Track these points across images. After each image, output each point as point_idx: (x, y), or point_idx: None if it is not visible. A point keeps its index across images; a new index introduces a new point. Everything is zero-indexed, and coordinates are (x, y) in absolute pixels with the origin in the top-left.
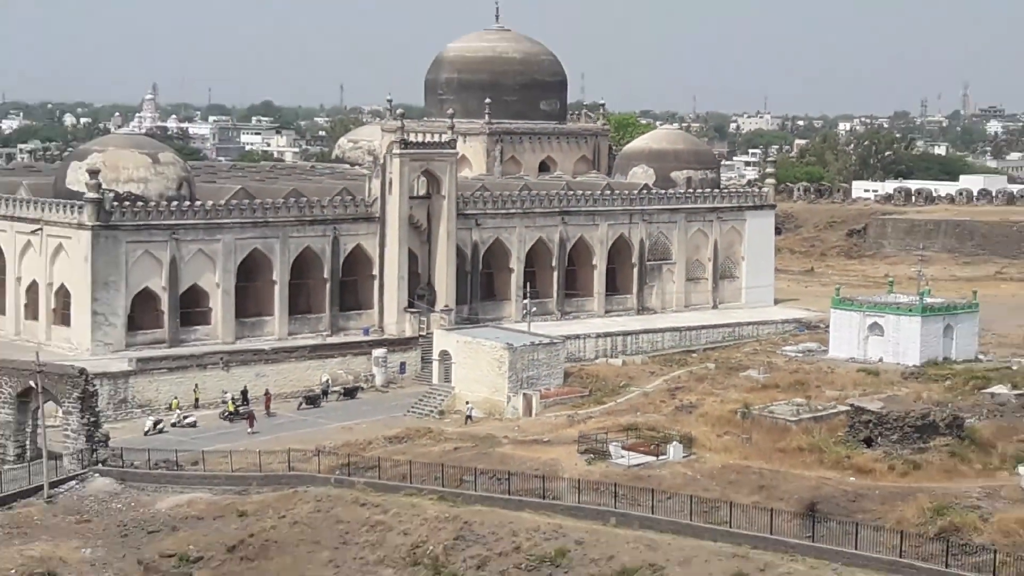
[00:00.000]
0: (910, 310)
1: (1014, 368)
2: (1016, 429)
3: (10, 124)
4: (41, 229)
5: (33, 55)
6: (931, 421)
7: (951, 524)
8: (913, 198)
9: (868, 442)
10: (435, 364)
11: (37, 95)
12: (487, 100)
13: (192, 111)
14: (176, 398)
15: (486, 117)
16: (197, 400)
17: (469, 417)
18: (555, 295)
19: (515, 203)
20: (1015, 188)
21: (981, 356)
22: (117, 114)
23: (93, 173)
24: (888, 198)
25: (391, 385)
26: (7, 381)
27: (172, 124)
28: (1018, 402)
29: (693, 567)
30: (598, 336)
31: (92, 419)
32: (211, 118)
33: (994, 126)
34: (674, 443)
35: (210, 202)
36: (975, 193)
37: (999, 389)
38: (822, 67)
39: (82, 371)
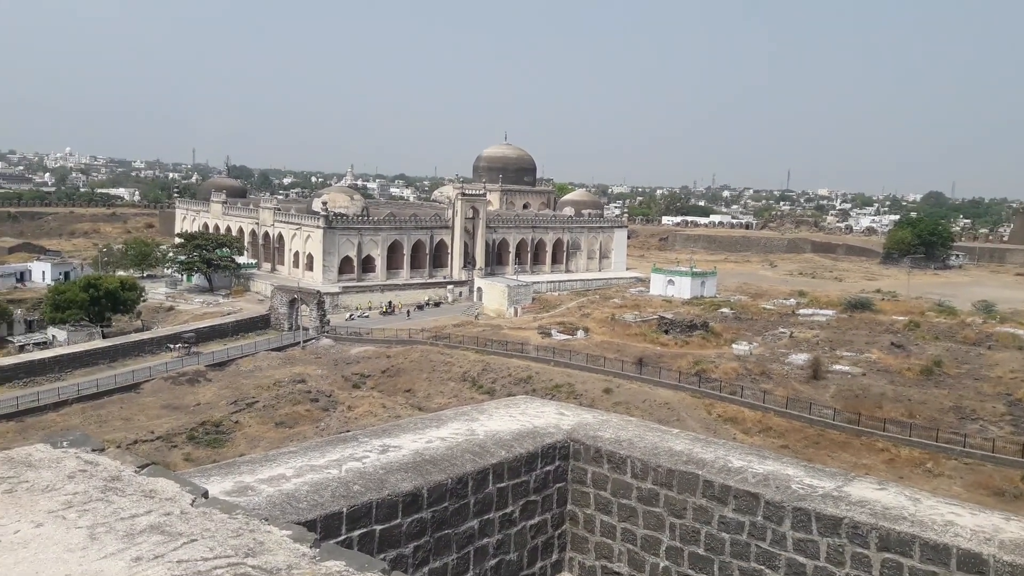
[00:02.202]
0: (685, 273)
1: (731, 300)
2: (731, 328)
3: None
4: (300, 228)
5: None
6: (693, 323)
7: (702, 368)
8: (688, 224)
9: (666, 331)
10: (475, 293)
11: (257, 163)
12: (500, 175)
13: (368, 176)
14: (359, 305)
15: (500, 183)
16: (370, 305)
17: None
18: (528, 264)
19: (511, 222)
20: (734, 221)
21: (716, 296)
22: (336, 177)
23: (323, 204)
24: (678, 224)
25: (454, 302)
26: (286, 294)
27: (359, 182)
28: (732, 314)
29: (587, 385)
30: (548, 283)
31: (322, 313)
32: (377, 180)
33: (724, 193)
34: (580, 329)
35: (376, 217)
36: (717, 223)
37: (724, 310)
38: (650, 156)
39: (318, 292)
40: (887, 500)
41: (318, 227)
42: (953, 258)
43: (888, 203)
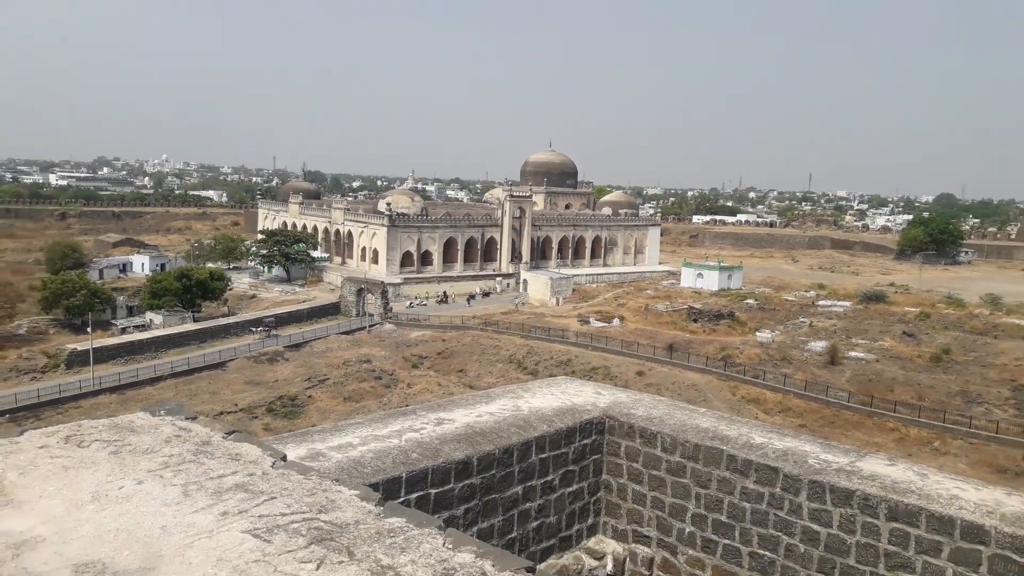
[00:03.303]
0: (713, 267)
1: (756, 292)
2: (755, 317)
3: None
4: (367, 226)
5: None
6: (720, 312)
7: (727, 354)
8: (717, 223)
9: (695, 320)
10: (521, 284)
11: (329, 168)
12: (544, 179)
13: (426, 180)
14: (418, 295)
15: (544, 185)
16: (427, 295)
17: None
18: (569, 258)
19: (554, 221)
20: (759, 220)
21: (742, 288)
22: (399, 180)
23: (387, 204)
24: (707, 222)
25: (502, 292)
26: (354, 284)
27: (419, 185)
28: (756, 305)
29: (622, 368)
30: (587, 276)
31: (385, 301)
32: (435, 183)
33: (751, 194)
34: (616, 318)
35: (433, 217)
36: (743, 221)
37: (749, 301)
38: (682, 160)
39: (382, 282)
40: (896, 475)
41: (382, 225)
42: (963, 255)
43: (902, 204)
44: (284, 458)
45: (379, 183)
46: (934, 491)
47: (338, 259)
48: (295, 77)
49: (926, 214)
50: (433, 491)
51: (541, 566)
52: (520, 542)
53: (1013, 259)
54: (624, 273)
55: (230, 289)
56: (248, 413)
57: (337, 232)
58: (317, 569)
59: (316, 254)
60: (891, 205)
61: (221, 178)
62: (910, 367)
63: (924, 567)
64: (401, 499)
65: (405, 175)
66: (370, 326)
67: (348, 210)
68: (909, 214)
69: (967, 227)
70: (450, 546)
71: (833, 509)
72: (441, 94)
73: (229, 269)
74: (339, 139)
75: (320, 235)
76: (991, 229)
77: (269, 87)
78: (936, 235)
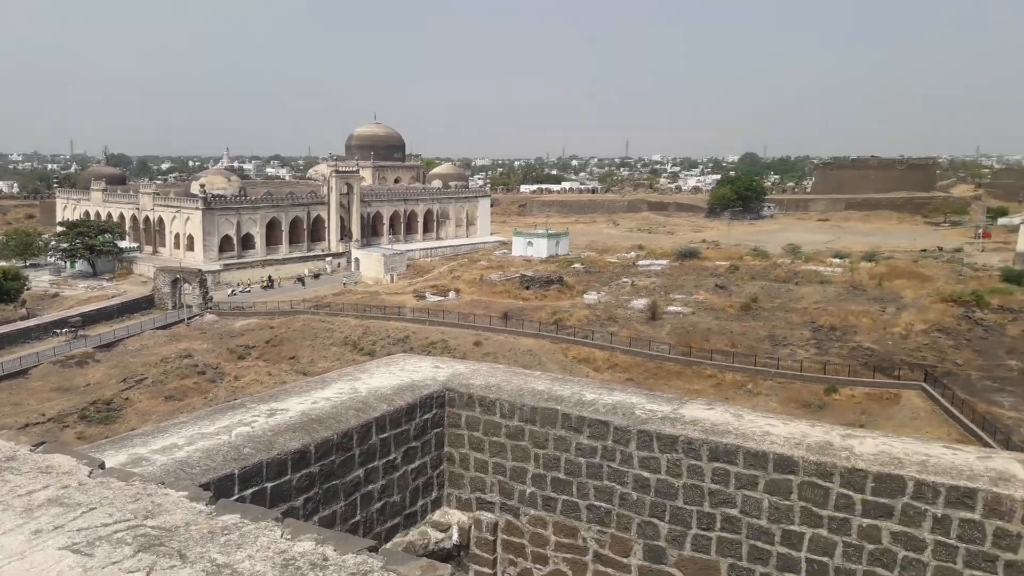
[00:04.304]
0: (542, 235)
1: (582, 257)
2: (582, 280)
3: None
4: (180, 210)
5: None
6: (550, 278)
7: (558, 318)
8: (543, 191)
9: (527, 287)
10: (352, 263)
11: (135, 151)
12: (371, 153)
13: (243, 158)
14: (240, 281)
15: (371, 160)
16: (250, 281)
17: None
18: (402, 233)
19: (384, 196)
20: (582, 187)
21: (569, 254)
22: (213, 160)
23: (201, 186)
24: (534, 191)
25: (333, 273)
26: (169, 275)
27: (235, 164)
28: (583, 269)
29: (460, 340)
30: (421, 250)
31: (204, 290)
32: (253, 161)
33: (573, 162)
34: (451, 291)
35: (253, 197)
36: (568, 188)
37: (576, 265)
38: (508, 131)
39: (199, 270)
40: (715, 418)
41: (197, 209)
42: (766, 209)
43: (711, 164)
44: (102, 466)
45: (191, 164)
46: (749, 430)
47: (149, 248)
48: (92, 50)
49: (732, 173)
50: (269, 485)
51: (386, 545)
52: (364, 525)
53: (809, 211)
54: (458, 245)
55: (28, 289)
56: (58, 423)
57: (147, 219)
58: None
59: (124, 244)
60: (701, 166)
61: (11, 167)
62: (723, 317)
63: (744, 500)
64: (235, 496)
65: (219, 154)
66: (189, 318)
67: (158, 194)
68: (717, 174)
69: (769, 183)
70: (289, 536)
71: (660, 455)
72: (255, 63)
73: (25, 267)
74: (144, 118)
75: (128, 223)
76: (790, 184)
77: (63, 64)
78: (742, 192)
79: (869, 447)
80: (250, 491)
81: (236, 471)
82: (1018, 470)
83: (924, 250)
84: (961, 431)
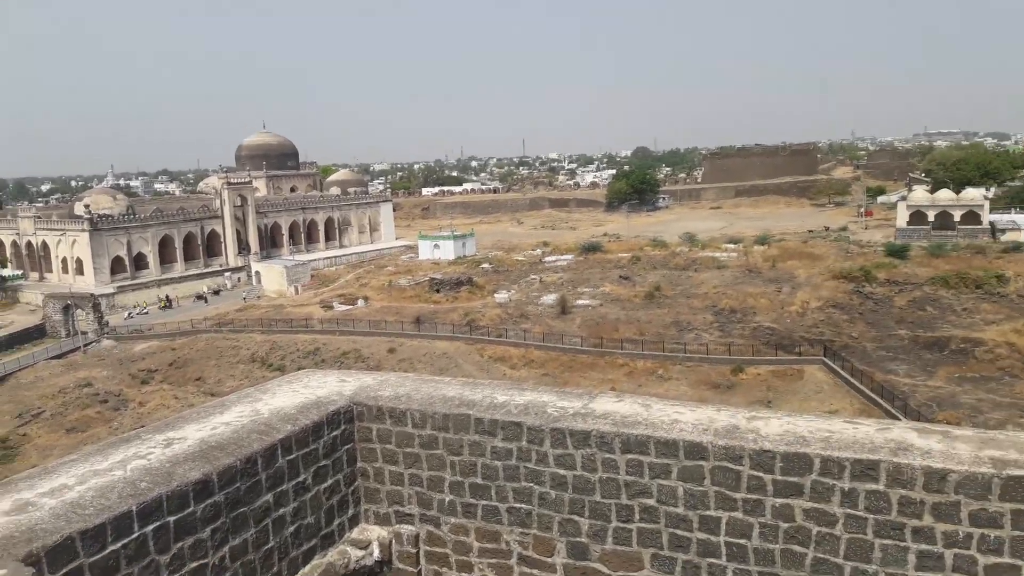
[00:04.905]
0: (448, 237)
1: (489, 256)
2: (492, 280)
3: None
4: (65, 233)
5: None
6: (459, 280)
7: (471, 318)
8: (445, 193)
9: (438, 290)
10: (253, 277)
11: (9, 173)
12: (263, 162)
13: (129, 175)
14: (136, 303)
15: (264, 170)
16: (146, 303)
17: (258, 296)
18: (303, 244)
19: (281, 206)
20: (484, 187)
21: (476, 254)
22: (97, 179)
23: (86, 207)
24: (436, 193)
25: (234, 288)
26: (59, 301)
27: (121, 181)
28: (491, 268)
29: (372, 348)
30: (324, 259)
31: (99, 315)
32: (140, 177)
33: (473, 163)
34: (360, 299)
35: (143, 215)
36: (469, 189)
37: (485, 265)
38: (405, 134)
39: (91, 295)
40: (624, 410)
41: (83, 230)
42: (661, 201)
43: (605, 160)
44: None
45: (74, 184)
46: (658, 419)
47: (35, 275)
48: None
49: (627, 168)
50: (171, 519)
51: (305, 569)
52: (279, 550)
53: (701, 200)
54: (362, 252)
55: None
56: None
57: (29, 244)
58: None
59: (7, 272)
60: (596, 162)
61: None
62: (629, 307)
63: (659, 489)
64: (135, 534)
65: (103, 172)
66: (85, 345)
67: (39, 218)
68: (612, 169)
69: (662, 176)
70: None
71: (575, 451)
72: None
73: None
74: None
75: (9, 250)
76: (681, 175)
77: None
78: (637, 186)
79: (775, 427)
80: (151, 527)
81: (134, 508)
82: (914, 439)
83: (811, 231)
84: (863, 400)
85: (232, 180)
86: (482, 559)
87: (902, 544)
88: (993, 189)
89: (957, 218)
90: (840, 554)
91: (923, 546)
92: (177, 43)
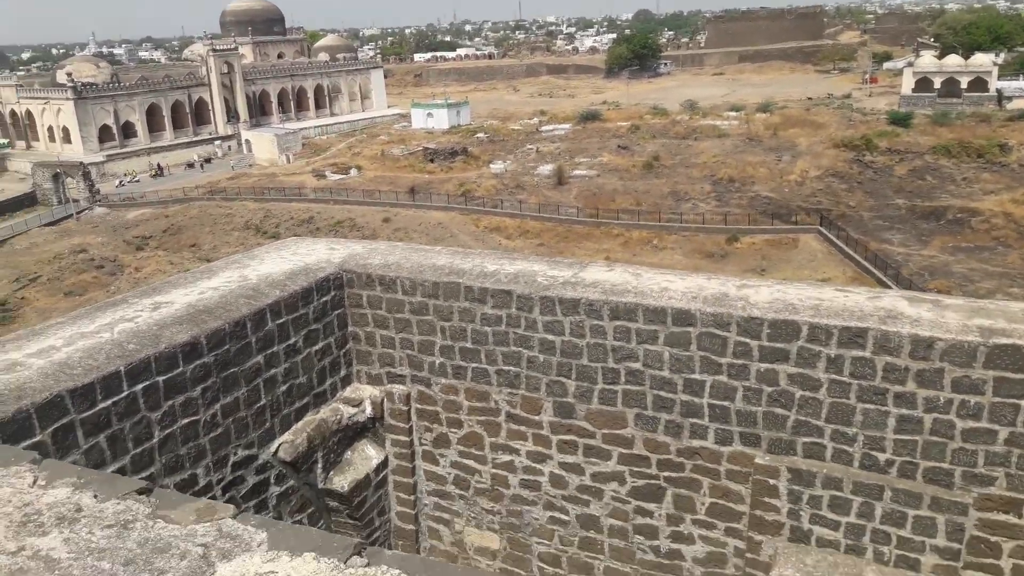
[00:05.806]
0: (441, 105)
1: (485, 126)
2: (487, 150)
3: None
4: (49, 102)
5: None
6: (454, 150)
7: (466, 189)
8: (438, 59)
9: (432, 160)
10: (244, 145)
11: None
12: (249, 28)
13: (112, 43)
14: (126, 171)
15: (250, 36)
16: (136, 171)
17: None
18: (293, 112)
19: (269, 73)
20: (479, 53)
21: (471, 123)
22: (79, 47)
23: (68, 75)
24: (429, 60)
25: (225, 157)
26: (48, 169)
27: (103, 49)
28: (487, 138)
29: (367, 217)
30: (315, 128)
31: (89, 183)
32: (123, 45)
33: (467, 27)
34: (352, 168)
35: (128, 83)
36: (464, 55)
37: (480, 135)
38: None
39: (81, 163)
40: (614, 279)
41: (68, 99)
42: (663, 66)
43: (606, 24)
44: None
45: (55, 52)
46: (647, 287)
47: (22, 144)
48: None
49: (628, 32)
50: (161, 379)
51: (297, 424)
52: (271, 408)
53: (704, 65)
54: (354, 121)
55: None
56: None
57: (13, 113)
58: None
59: None
60: (596, 26)
61: None
62: (627, 177)
63: (646, 354)
64: (125, 392)
65: (85, 40)
66: (78, 213)
67: (21, 86)
68: (613, 33)
69: (664, 40)
70: (42, 483)
71: (564, 319)
72: None
73: None
74: None
75: None
76: (684, 40)
77: None
78: (638, 51)
79: (764, 295)
80: (140, 386)
81: (122, 368)
82: (904, 307)
83: (811, 98)
84: (856, 269)
85: (218, 47)
86: (472, 416)
87: (883, 408)
88: (1003, 55)
89: (964, 85)
90: (822, 417)
91: (904, 411)
92: None
